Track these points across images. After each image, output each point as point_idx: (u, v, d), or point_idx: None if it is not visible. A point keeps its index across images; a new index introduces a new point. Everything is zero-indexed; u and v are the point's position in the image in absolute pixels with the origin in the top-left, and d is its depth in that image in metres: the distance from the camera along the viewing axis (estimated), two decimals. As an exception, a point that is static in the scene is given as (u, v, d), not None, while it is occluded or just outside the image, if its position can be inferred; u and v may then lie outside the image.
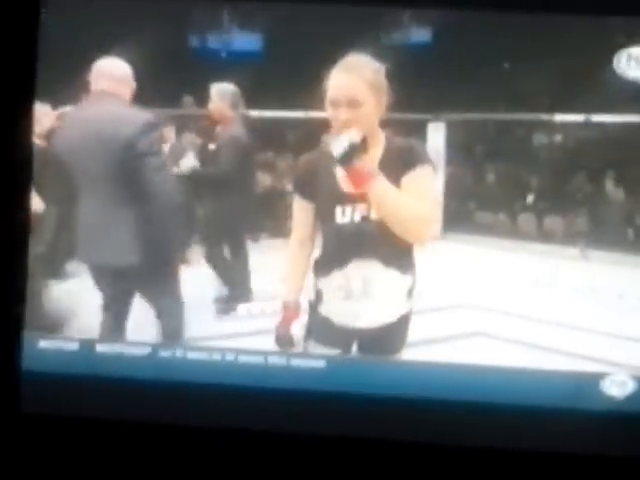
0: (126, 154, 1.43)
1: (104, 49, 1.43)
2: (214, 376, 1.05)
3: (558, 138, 2.57)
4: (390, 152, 1.08)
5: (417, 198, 1.06)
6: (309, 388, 1.05)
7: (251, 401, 1.03)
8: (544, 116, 2.41)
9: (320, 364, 1.06)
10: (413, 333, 1.18)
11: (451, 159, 2.74)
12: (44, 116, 1.42)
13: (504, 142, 2.79)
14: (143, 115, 1.52)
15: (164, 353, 1.06)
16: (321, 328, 1.11)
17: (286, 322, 1.14)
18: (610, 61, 1.04)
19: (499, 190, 2.77)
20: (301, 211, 1.12)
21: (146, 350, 1.07)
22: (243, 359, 1.06)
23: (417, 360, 1.12)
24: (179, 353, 1.06)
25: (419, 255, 1.20)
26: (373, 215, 1.06)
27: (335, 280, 1.10)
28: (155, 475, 1.04)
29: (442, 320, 1.82)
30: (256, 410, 1.03)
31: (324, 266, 1.13)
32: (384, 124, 1.14)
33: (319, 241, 1.16)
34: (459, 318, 1.99)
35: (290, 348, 1.09)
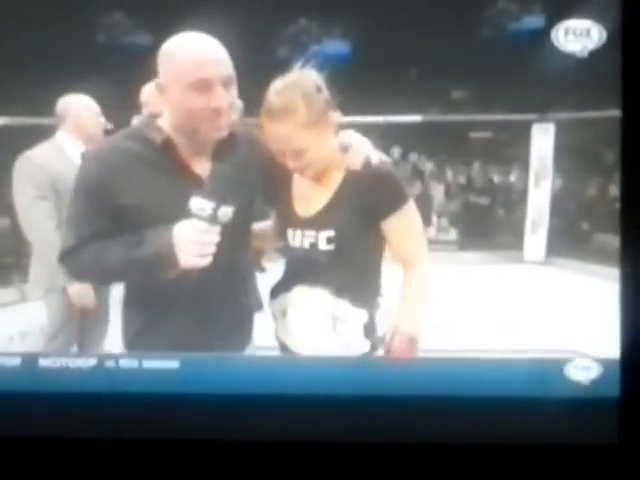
0: None
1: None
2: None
3: None
4: (353, 179, 0.91)
5: (406, 239, 0.92)
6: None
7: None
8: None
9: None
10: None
11: (561, 167, 2.28)
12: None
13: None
14: None
15: (110, 364, 1.02)
16: (282, 349, 1.04)
17: None
18: (548, 35, 1.00)
19: (632, 207, 2.21)
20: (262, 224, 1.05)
21: (92, 362, 1.03)
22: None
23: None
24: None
25: (510, 279, 1.03)
26: (322, 245, 0.95)
27: (282, 303, 1.01)
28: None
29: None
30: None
31: (275, 289, 1.04)
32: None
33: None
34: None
35: None
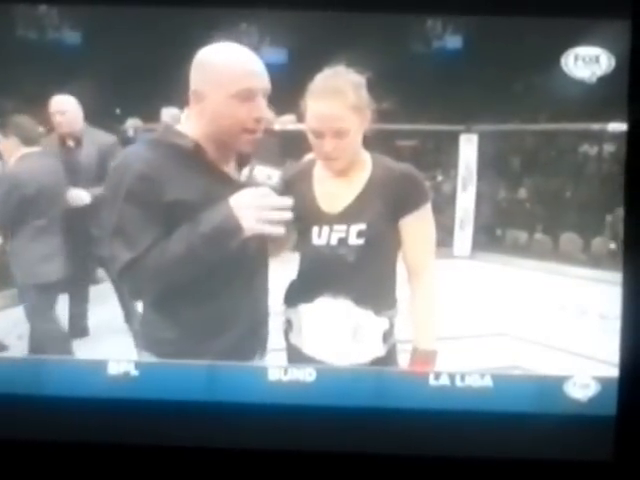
0: None
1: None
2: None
3: (609, 149, 2.34)
4: (380, 176, 0.96)
5: (420, 242, 0.96)
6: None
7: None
8: (594, 126, 2.21)
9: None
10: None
11: (483, 172, 2.59)
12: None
13: (544, 154, 2.58)
14: None
15: (114, 370, 1.01)
16: (292, 354, 1.05)
17: None
18: (558, 61, 1.03)
19: (536, 207, 2.56)
20: None
21: (103, 367, 1.03)
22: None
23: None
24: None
25: (443, 273, 1.09)
26: (352, 240, 0.94)
27: (302, 313, 1.02)
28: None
29: (464, 349, 1.64)
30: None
31: (294, 295, 1.04)
32: (371, 143, 1.01)
33: (296, 263, 1.03)
34: (484, 347, 1.80)
35: None
